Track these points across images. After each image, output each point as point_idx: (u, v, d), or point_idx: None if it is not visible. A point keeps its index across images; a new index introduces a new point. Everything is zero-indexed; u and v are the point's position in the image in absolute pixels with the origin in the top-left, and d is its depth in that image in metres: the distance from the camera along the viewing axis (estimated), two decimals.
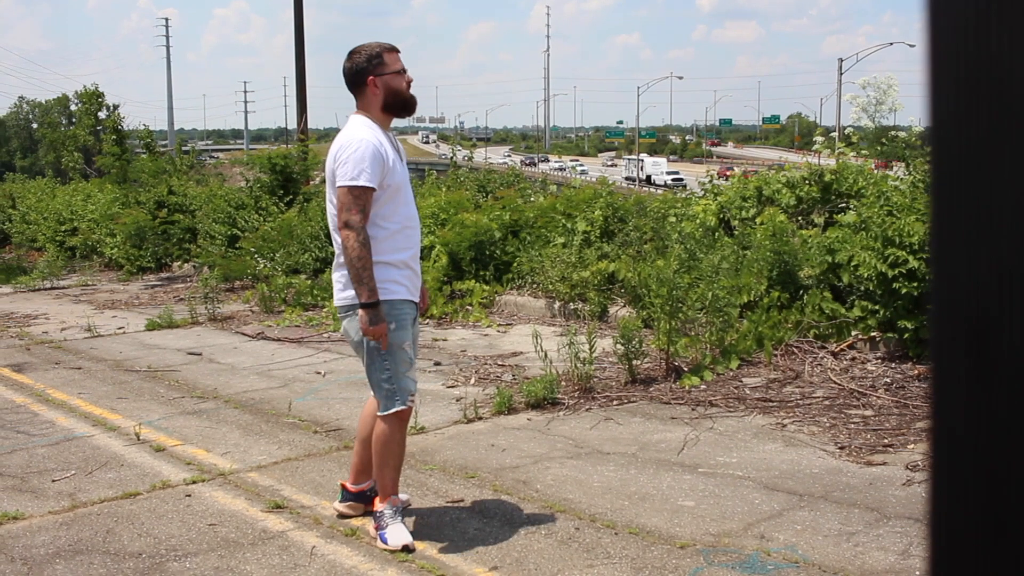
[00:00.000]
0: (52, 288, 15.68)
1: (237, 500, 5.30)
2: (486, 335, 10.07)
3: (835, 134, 13.98)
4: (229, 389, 7.98)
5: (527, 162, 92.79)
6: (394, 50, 4.65)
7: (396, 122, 4.94)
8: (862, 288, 8.07)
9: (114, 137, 19.62)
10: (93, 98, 26.95)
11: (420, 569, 4.35)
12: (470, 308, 11.05)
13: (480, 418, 6.81)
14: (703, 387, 7.42)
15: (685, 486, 5.35)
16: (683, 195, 13.02)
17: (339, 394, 7.71)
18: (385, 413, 4.63)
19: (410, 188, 4.75)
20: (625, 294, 10.09)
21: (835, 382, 7.36)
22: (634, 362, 7.60)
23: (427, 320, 10.81)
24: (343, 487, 5.02)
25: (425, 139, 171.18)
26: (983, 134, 0.72)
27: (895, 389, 7.12)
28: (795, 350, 8.11)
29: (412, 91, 4.71)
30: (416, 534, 4.67)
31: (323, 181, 5.00)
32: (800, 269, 8.64)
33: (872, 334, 8.03)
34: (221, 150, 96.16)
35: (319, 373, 8.52)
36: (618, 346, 7.59)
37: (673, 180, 63.58)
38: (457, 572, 4.32)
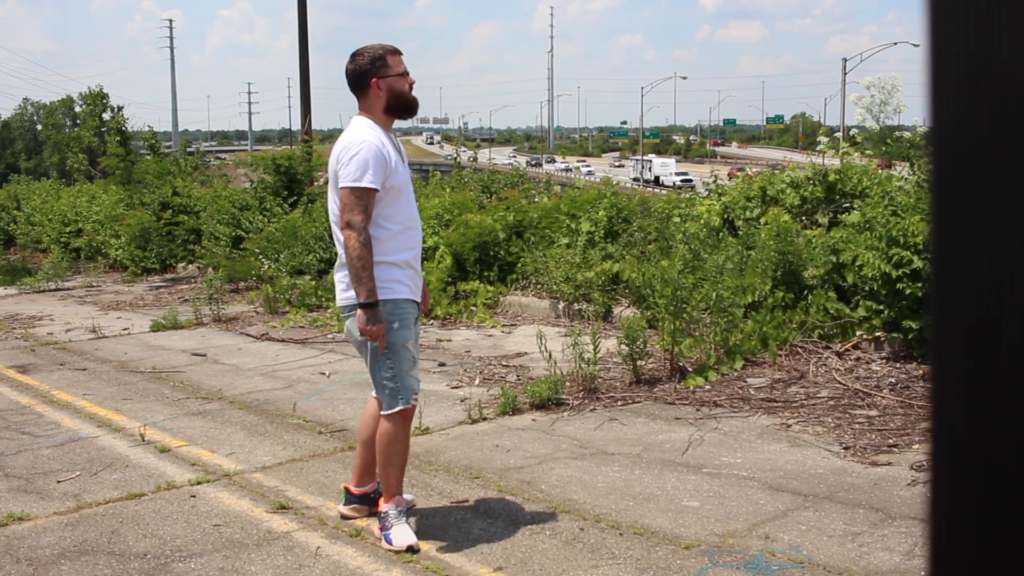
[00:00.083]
0: (57, 289, 15.70)
1: (242, 501, 5.31)
2: (490, 336, 10.08)
3: (839, 134, 13.97)
4: (234, 390, 7.99)
5: (533, 163, 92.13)
6: (397, 52, 4.68)
7: (399, 123, 4.97)
8: (866, 288, 8.06)
9: (118, 138, 19.66)
10: (97, 99, 27.00)
11: (425, 569, 4.35)
12: (474, 309, 11.05)
13: (484, 419, 6.81)
14: (707, 387, 7.42)
15: (690, 486, 5.35)
16: (687, 195, 13.00)
17: (344, 395, 7.71)
18: (389, 412, 4.64)
19: (412, 189, 4.78)
20: (629, 294, 10.09)
21: (840, 382, 7.35)
22: (638, 362, 7.60)
23: (431, 321, 10.81)
24: (346, 490, 5.03)
25: (429, 140, 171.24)
26: (983, 134, 0.72)
27: (900, 389, 7.11)
28: (799, 350, 8.10)
29: (414, 93, 4.75)
30: (420, 534, 4.67)
31: (327, 182, 5.01)
32: (804, 269, 8.63)
33: (877, 334, 8.02)
34: (225, 151, 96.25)
35: (323, 374, 8.53)
36: (622, 346, 7.59)
37: (682, 181, 62.14)
38: (462, 572, 4.32)
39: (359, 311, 4.44)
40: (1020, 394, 0.71)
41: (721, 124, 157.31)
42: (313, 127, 20.18)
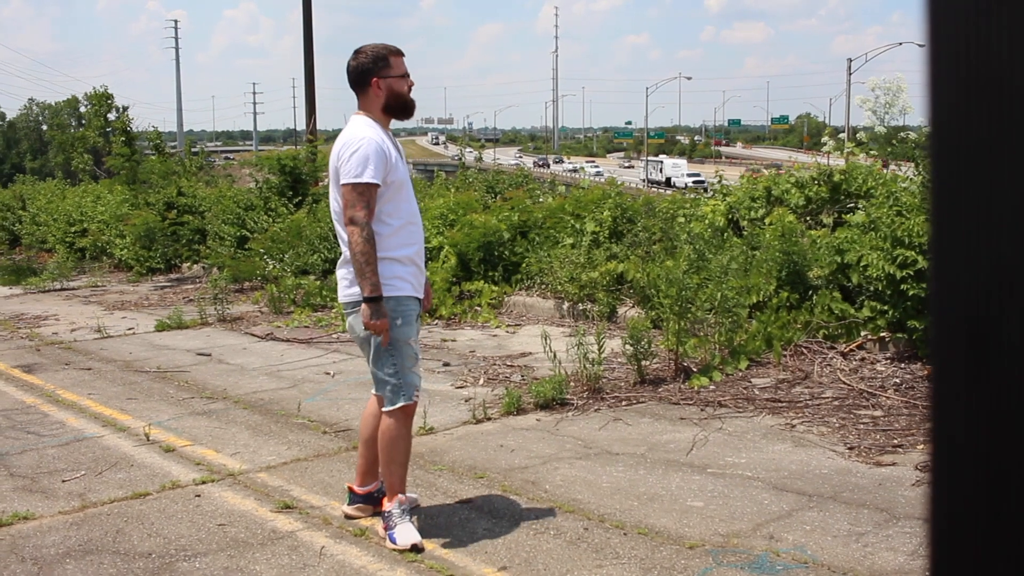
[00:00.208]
0: (62, 289, 15.73)
1: (246, 500, 5.32)
2: (495, 336, 10.08)
3: (844, 135, 13.96)
4: (238, 390, 8.00)
5: (540, 163, 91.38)
6: (400, 54, 4.73)
7: (404, 123, 5.01)
8: (871, 288, 8.05)
9: (123, 138, 19.66)
10: (102, 100, 27.00)
11: (429, 569, 4.35)
12: (479, 309, 11.06)
13: (489, 418, 6.81)
14: (712, 388, 7.42)
15: (694, 486, 5.35)
16: (691, 196, 12.99)
17: (348, 394, 7.72)
18: (391, 408, 4.65)
19: (411, 185, 4.81)
20: (634, 295, 10.09)
21: (844, 382, 7.34)
22: (643, 363, 7.59)
23: (436, 321, 10.82)
24: (350, 490, 5.03)
25: (435, 140, 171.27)
26: (983, 134, 0.72)
27: (904, 389, 7.11)
28: (804, 350, 8.09)
29: (413, 95, 4.79)
30: (425, 534, 4.67)
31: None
32: (809, 269, 8.62)
33: (881, 334, 8.01)
34: (230, 151, 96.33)
35: (328, 374, 8.54)
36: (627, 347, 7.59)
37: (694, 182, 60.50)
38: (466, 572, 4.33)
39: (363, 305, 4.46)
40: (1020, 394, 0.71)
41: (726, 124, 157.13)
42: (318, 127, 20.18)
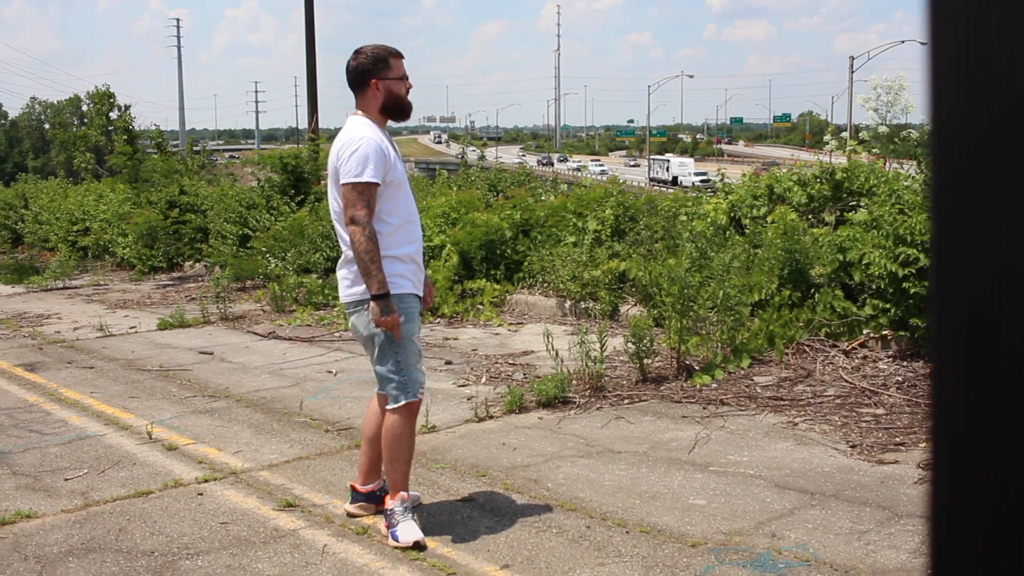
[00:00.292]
0: (64, 288, 15.74)
1: (249, 499, 5.32)
2: (497, 334, 10.08)
3: (846, 133, 13.95)
4: (241, 388, 8.00)
5: (544, 162, 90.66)
6: (399, 56, 4.78)
7: (406, 122, 5.05)
8: (873, 286, 8.05)
9: (125, 137, 19.68)
10: (104, 98, 27.06)
11: (431, 567, 4.36)
12: (481, 307, 11.06)
13: (491, 417, 6.81)
14: (714, 386, 7.42)
15: (696, 485, 5.35)
16: (693, 194, 12.99)
17: (350, 393, 7.72)
18: (396, 406, 4.66)
19: (408, 184, 4.84)
20: (636, 293, 10.09)
21: (847, 380, 7.34)
22: (645, 361, 7.59)
23: (438, 319, 10.82)
24: (353, 488, 5.04)
25: (437, 139, 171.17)
26: (983, 134, 0.72)
27: (907, 388, 7.10)
28: (806, 349, 8.09)
29: (410, 96, 4.85)
30: (427, 532, 4.68)
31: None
32: (811, 267, 8.62)
33: (884, 332, 8.01)
34: (232, 150, 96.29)
35: (330, 372, 8.54)
36: (629, 345, 7.59)
37: (701, 181, 59.47)
38: (468, 570, 4.33)
39: (372, 303, 4.49)
40: (1020, 394, 0.72)
41: (728, 123, 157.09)
42: (320, 126, 20.20)
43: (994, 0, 0.71)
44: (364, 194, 4.48)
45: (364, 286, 4.58)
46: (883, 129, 11.02)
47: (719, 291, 7.93)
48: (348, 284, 4.69)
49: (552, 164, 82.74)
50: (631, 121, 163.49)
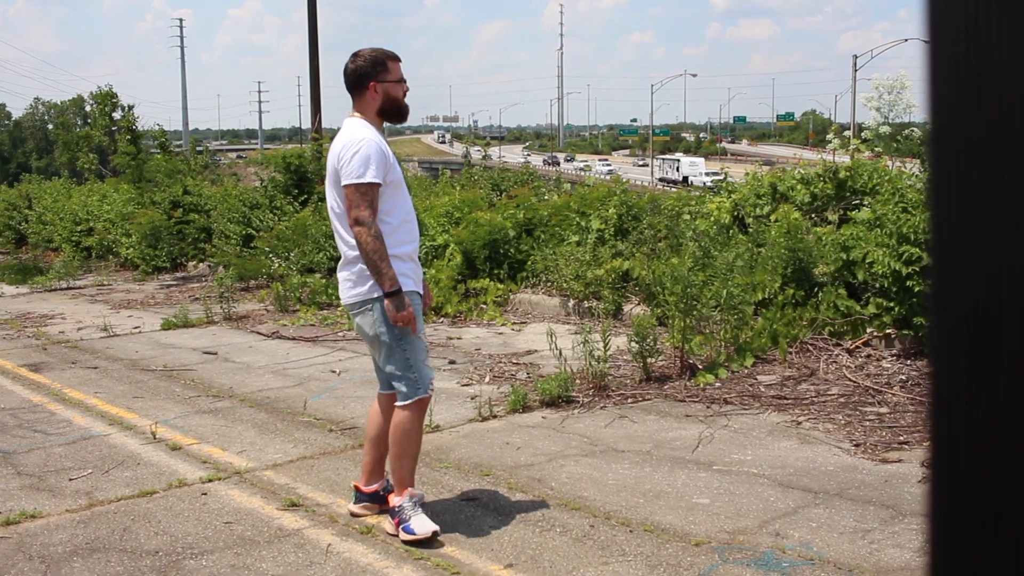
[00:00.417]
0: (68, 288, 15.76)
1: (253, 498, 5.33)
2: (500, 333, 10.08)
3: (849, 132, 13.94)
4: (244, 388, 8.01)
5: (549, 161, 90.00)
6: (397, 59, 4.83)
7: (408, 121, 5.10)
8: (877, 285, 8.05)
9: (129, 137, 19.70)
10: (108, 99, 27.03)
11: (435, 566, 4.36)
12: (484, 307, 11.06)
13: (495, 416, 6.82)
14: (718, 385, 7.42)
15: (700, 484, 5.35)
16: (696, 193, 12.98)
17: (354, 392, 7.73)
18: (407, 402, 4.68)
19: (406, 184, 4.87)
20: (639, 292, 10.08)
21: (850, 379, 7.34)
22: (648, 360, 7.59)
23: (441, 319, 10.82)
24: (356, 488, 5.05)
25: (441, 139, 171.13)
26: (983, 134, 0.72)
27: (910, 386, 7.10)
28: (810, 347, 8.09)
29: (407, 99, 4.89)
30: None
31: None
32: (815, 266, 8.62)
33: (887, 331, 8.00)
34: (235, 150, 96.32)
35: (334, 371, 8.55)
36: (632, 344, 7.59)
37: (712, 181, 58.59)
38: (472, 569, 4.33)
39: (386, 301, 4.52)
40: (1020, 394, 0.72)
41: (731, 121, 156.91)
42: (323, 125, 20.20)
43: (994, 0, 0.71)
44: (367, 195, 4.51)
45: (366, 287, 4.61)
46: (885, 128, 11.01)
47: (722, 290, 7.93)
48: (350, 285, 4.72)
49: (558, 164, 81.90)
50: (634, 120, 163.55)
